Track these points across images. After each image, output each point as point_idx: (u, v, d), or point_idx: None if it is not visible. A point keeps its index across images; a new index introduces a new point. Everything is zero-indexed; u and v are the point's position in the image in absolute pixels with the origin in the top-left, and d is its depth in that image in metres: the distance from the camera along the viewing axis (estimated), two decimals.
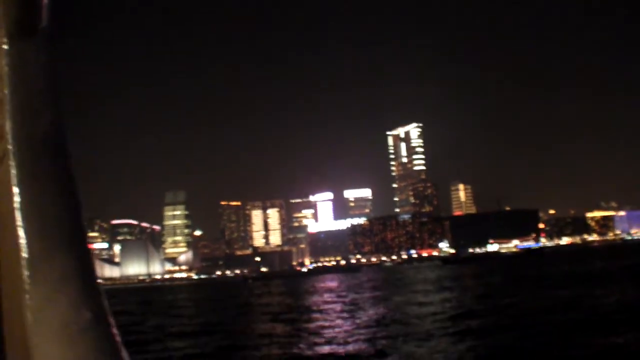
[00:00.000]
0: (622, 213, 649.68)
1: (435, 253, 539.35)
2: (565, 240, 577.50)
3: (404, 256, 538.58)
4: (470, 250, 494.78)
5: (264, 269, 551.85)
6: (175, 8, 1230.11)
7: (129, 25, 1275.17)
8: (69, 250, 2.05)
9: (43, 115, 2.08)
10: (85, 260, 2.10)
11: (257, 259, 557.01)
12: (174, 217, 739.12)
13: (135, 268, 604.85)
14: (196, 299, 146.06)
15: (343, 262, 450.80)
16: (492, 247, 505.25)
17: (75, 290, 2.01)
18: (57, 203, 2.08)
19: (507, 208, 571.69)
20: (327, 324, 54.39)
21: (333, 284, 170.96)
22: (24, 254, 1.99)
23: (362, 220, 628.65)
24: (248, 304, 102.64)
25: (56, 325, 1.96)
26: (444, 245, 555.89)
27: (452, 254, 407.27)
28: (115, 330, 2.10)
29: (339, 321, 56.90)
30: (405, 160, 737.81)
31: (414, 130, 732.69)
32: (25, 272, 1.98)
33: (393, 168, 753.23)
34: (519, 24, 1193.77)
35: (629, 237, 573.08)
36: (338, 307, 76.71)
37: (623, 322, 39.43)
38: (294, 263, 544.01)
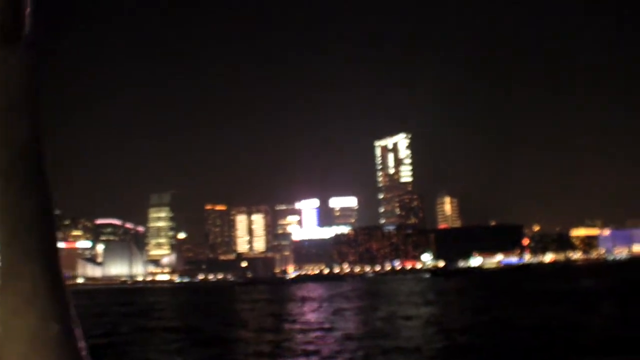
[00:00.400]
0: (606, 231, 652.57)
1: (419, 265, 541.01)
2: (548, 257, 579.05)
3: (388, 267, 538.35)
4: (457, 263, 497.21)
5: (249, 275, 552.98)
6: (173, 8, 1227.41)
7: (125, 26, 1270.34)
8: (40, 263, 2.02)
9: (22, 123, 2.04)
10: (55, 273, 2.08)
11: (244, 264, 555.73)
12: (159, 219, 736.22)
13: (117, 269, 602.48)
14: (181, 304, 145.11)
15: (327, 271, 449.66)
16: (476, 262, 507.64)
17: (44, 303, 1.98)
18: (30, 213, 2.03)
19: (493, 223, 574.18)
20: (311, 335, 54.15)
21: (317, 292, 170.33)
22: None
23: (346, 229, 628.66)
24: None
25: (25, 337, 1.93)
26: (426, 258, 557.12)
27: (441, 267, 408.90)
28: (82, 344, 2.07)
29: (322, 333, 56.60)
30: (392, 171, 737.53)
31: (402, 141, 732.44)
32: None
33: (380, 179, 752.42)
34: (507, 37, 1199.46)
35: (612, 257, 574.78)
36: (323, 316, 76.43)
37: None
38: (277, 270, 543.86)
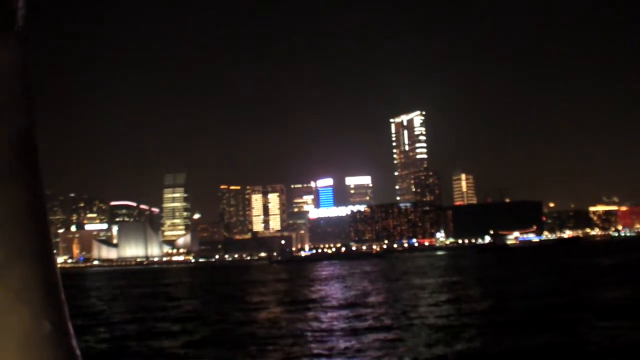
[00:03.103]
0: (624, 208, 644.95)
1: (439, 242, 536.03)
2: (567, 234, 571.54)
3: (405, 244, 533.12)
4: (477, 240, 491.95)
5: (262, 254, 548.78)
6: None
7: (138, 10, 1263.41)
8: (32, 259, 1.99)
9: (14, 117, 2.02)
10: (49, 269, 2.05)
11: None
12: (174, 199, 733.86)
13: (133, 250, 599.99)
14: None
15: (343, 249, 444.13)
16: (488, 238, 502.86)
17: (37, 301, 1.96)
18: (22, 209, 2.00)
19: (507, 200, 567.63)
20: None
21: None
22: None
23: (362, 208, 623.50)
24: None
25: (17, 336, 1.91)
26: (440, 235, 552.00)
27: (488, 242, 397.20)
28: (74, 342, 2.05)
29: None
30: (407, 148, 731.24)
31: (417, 118, 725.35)
32: None
33: (395, 156, 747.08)
34: (524, 14, 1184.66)
35: (629, 234, 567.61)
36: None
37: None
38: (294, 249, 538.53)
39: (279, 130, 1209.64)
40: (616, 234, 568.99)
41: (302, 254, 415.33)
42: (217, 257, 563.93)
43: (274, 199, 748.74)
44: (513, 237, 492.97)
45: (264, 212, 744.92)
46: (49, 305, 1.97)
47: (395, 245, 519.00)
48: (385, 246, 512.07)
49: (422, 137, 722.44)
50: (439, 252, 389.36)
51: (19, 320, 1.91)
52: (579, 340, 33.55)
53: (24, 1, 2.05)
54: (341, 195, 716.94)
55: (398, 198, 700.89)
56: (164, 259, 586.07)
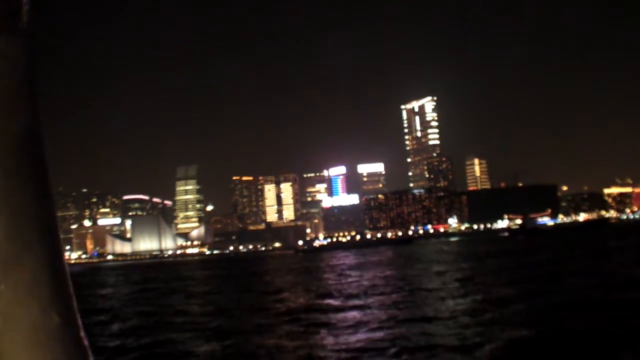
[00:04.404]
0: (638, 190, 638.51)
1: (453, 228, 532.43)
2: (582, 217, 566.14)
3: (421, 231, 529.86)
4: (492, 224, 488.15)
5: (277, 244, 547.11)
6: None
7: (150, 8, 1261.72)
8: (40, 253, 2.00)
9: (19, 112, 2.02)
10: (57, 263, 2.05)
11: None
12: (186, 192, 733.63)
13: (147, 244, 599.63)
14: None
15: (358, 237, 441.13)
16: (503, 223, 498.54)
17: (46, 294, 1.98)
18: (30, 204, 2.01)
19: (520, 184, 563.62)
20: None
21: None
22: None
23: (376, 195, 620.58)
24: None
25: (26, 329, 1.93)
26: (452, 222, 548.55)
27: (519, 225, 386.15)
28: (83, 334, 2.07)
29: None
30: (419, 134, 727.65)
31: (428, 104, 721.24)
32: None
33: (407, 142, 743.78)
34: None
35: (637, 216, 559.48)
36: None
37: None
38: (308, 238, 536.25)
39: (290, 119, 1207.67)
40: (625, 217, 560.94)
41: (318, 243, 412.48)
42: (231, 248, 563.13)
43: (286, 188, 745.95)
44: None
45: (277, 202, 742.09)
46: (58, 299, 2.00)
47: (410, 233, 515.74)
48: (400, 233, 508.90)
49: (434, 123, 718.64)
50: (453, 239, 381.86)
51: (27, 313, 1.93)
52: None
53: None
54: (353, 183, 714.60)
55: (411, 185, 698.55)
56: (178, 251, 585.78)
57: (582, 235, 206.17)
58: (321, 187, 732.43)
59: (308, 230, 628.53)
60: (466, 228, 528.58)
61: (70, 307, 2.04)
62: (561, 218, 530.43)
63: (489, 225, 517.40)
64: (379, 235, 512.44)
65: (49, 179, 2.10)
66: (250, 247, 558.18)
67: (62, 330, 1.97)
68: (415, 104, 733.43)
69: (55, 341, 1.95)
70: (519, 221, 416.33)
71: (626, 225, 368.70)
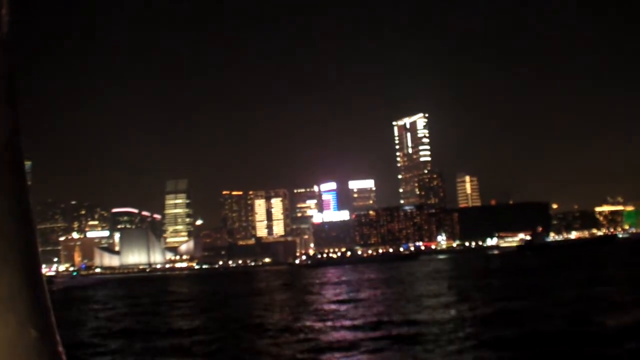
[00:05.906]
0: (630, 208, 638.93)
1: (443, 245, 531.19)
2: (574, 235, 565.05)
3: (412, 248, 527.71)
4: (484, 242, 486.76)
5: (267, 260, 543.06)
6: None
7: (133, 16, 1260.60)
8: (18, 267, 1.95)
9: None
10: (35, 277, 2.01)
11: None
12: (175, 205, 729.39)
13: (135, 257, 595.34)
14: None
15: (349, 253, 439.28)
16: (493, 241, 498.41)
17: (23, 308, 1.93)
18: (7, 217, 1.95)
19: (511, 202, 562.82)
20: None
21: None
22: None
23: (367, 211, 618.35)
24: None
25: (3, 344, 1.88)
26: (441, 239, 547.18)
27: (528, 240, 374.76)
28: (61, 349, 2.04)
29: None
30: (410, 150, 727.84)
31: (420, 120, 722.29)
32: None
33: (398, 159, 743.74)
34: (528, 15, 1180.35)
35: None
36: None
37: None
38: (298, 254, 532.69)
39: (280, 134, 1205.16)
40: (625, 235, 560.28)
41: (311, 257, 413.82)
42: (220, 263, 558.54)
43: (277, 203, 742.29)
44: (518, 239, 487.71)
45: (267, 217, 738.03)
46: (35, 312, 1.95)
47: (401, 249, 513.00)
48: (391, 250, 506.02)
49: (426, 140, 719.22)
50: (440, 256, 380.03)
51: (4, 328, 1.88)
52: None
53: (8, 8, 2.04)
54: (344, 199, 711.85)
55: (402, 201, 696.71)
56: (167, 265, 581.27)
57: (596, 252, 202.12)
58: (311, 202, 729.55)
59: (298, 247, 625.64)
60: (457, 245, 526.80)
61: (48, 321, 2.01)
62: (552, 236, 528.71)
63: (480, 243, 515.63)
64: (369, 251, 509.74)
65: (27, 192, 2.06)
66: (240, 262, 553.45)
67: (39, 345, 1.93)
68: (406, 121, 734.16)
69: (33, 356, 1.91)
70: (523, 237, 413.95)
71: (635, 241, 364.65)
